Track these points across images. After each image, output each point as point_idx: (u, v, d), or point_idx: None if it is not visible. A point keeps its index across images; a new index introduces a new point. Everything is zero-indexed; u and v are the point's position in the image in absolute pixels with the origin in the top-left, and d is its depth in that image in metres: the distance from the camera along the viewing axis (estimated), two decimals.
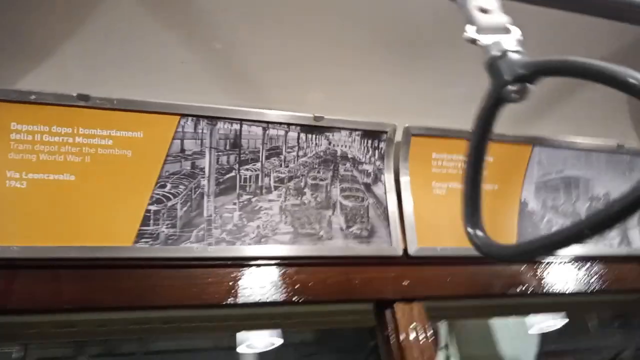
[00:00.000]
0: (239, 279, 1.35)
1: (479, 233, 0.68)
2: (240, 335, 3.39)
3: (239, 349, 3.50)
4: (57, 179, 1.27)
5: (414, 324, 1.43)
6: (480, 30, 0.68)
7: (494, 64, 0.64)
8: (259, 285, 1.36)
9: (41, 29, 1.27)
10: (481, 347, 2.93)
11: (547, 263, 1.69)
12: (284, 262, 1.40)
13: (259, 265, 1.37)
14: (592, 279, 1.74)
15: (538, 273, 1.65)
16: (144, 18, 1.34)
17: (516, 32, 0.67)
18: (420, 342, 1.41)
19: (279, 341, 3.50)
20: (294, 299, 1.38)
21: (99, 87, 1.33)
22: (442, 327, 2.79)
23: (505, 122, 1.76)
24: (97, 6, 1.28)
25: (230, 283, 1.33)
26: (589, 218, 0.48)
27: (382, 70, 1.58)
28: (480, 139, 0.70)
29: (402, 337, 1.41)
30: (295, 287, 1.39)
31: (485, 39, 0.67)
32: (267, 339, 3.41)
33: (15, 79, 1.29)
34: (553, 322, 3.42)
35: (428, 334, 1.43)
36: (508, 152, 1.73)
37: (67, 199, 1.27)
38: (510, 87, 0.62)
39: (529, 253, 0.57)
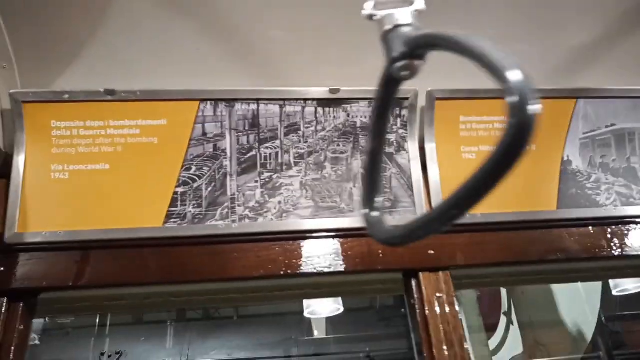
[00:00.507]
0: (263, 253, 1.42)
1: (373, 214, 0.65)
2: (306, 302, 3.55)
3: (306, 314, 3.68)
4: (94, 169, 1.40)
5: (439, 294, 1.43)
6: (378, 4, 0.63)
7: (385, 40, 0.60)
8: (283, 258, 1.42)
9: (66, 34, 1.38)
10: (542, 313, 2.82)
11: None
12: (306, 235, 1.44)
13: (281, 239, 1.43)
14: None
15: (574, 238, 1.55)
16: (158, 12, 1.40)
17: (418, 3, 0.61)
18: (446, 312, 1.40)
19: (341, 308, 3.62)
20: (317, 269, 1.43)
21: (123, 81, 1.43)
22: (504, 292, 2.71)
23: (547, 74, 1.64)
24: (113, 6, 1.36)
25: (255, 257, 1.41)
26: (467, 186, 0.45)
27: None
28: (379, 119, 0.66)
29: (426, 306, 1.41)
30: (319, 258, 1.43)
31: (381, 13, 0.62)
32: (332, 306, 3.55)
33: (51, 80, 1.42)
34: (631, 285, 3.20)
35: (454, 303, 1.42)
36: (548, 108, 1.61)
37: (104, 186, 1.39)
38: (398, 64, 0.58)
39: (413, 234, 0.54)
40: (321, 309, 3.79)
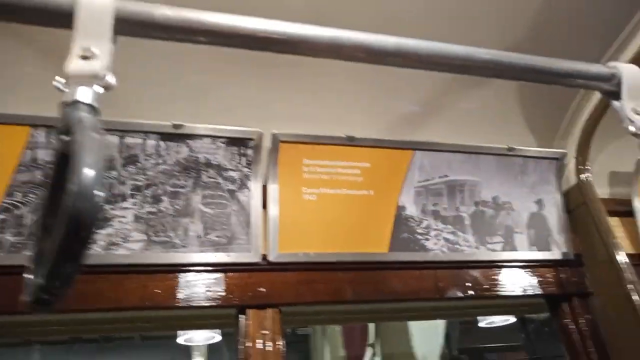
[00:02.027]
0: (88, 286, 1.38)
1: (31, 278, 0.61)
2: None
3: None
4: None
5: (265, 330, 1.46)
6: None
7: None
8: (110, 292, 1.40)
9: None
10: (401, 345, 2.98)
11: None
12: (134, 269, 1.43)
13: (107, 272, 1.40)
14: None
15: (402, 279, 1.66)
16: None
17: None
18: (267, 349, 1.44)
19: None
20: (146, 303, 1.42)
21: None
22: (371, 326, 2.84)
23: (389, 127, 1.77)
24: None
25: (77, 291, 1.37)
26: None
27: (247, 78, 1.57)
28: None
29: (249, 342, 1.44)
30: (146, 293, 1.42)
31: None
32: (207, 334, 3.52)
33: None
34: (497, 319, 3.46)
35: (278, 341, 1.46)
36: (388, 158, 1.74)
37: None
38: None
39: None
40: (197, 337, 3.76)
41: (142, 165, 1.50)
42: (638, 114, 0.80)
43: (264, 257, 1.55)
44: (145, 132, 1.49)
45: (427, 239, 1.74)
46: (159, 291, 1.43)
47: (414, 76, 1.66)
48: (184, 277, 1.46)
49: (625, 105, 0.81)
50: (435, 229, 1.76)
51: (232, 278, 1.51)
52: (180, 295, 1.45)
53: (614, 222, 2.09)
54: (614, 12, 1.61)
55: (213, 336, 3.78)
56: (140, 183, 1.49)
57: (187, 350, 4.53)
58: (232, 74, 1.56)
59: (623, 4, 1.59)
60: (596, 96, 1.91)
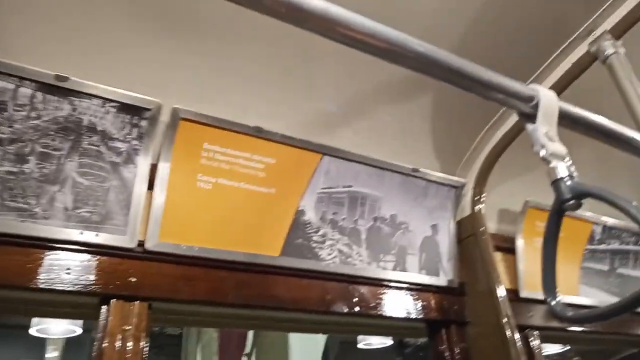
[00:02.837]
0: None
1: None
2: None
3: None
4: None
5: (127, 326, 1.29)
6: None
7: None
8: None
9: None
10: (278, 356, 2.90)
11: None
12: None
13: None
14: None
15: (289, 287, 1.57)
16: None
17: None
18: (127, 348, 1.27)
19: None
20: None
21: None
22: (250, 334, 2.71)
23: (301, 126, 1.68)
24: None
25: None
26: None
27: (156, 45, 1.41)
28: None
29: (107, 340, 1.26)
30: None
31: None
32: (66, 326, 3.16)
33: None
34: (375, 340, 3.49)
35: (142, 341, 1.29)
36: (295, 157, 1.65)
37: None
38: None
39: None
40: (54, 328, 3.34)
41: (9, 116, 1.26)
42: (550, 139, 0.79)
43: (141, 243, 1.38)
44: (20, 78, 1.26)
45: (321, 248, 1.67)
46: (6, 267, 1.20)
47: (333, 78, 1.61)
48: (41, 254, 1.25)
49: (539, 129, 0.80)
50: (331, 239, 1.69)
51: (100, 262, 1.32)
52: (33, 274, 1.23)
53: (498, 257, 2.19)
54: (546, 36, 1.67)
55: (73, 330, 3.39)
56: (3, 135, 1.25)
57: (41, 342, 4.02)
58: (141, 37, 1.39)
59: (554, 32, 1.66)
60: (498, 135, 2.00)
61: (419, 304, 1.85)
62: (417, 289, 1.87)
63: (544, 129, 0.79)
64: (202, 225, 1.47)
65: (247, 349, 2.96)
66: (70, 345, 3.93)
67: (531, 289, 2.16)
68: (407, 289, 1.83)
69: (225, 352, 2.94)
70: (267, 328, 2.34)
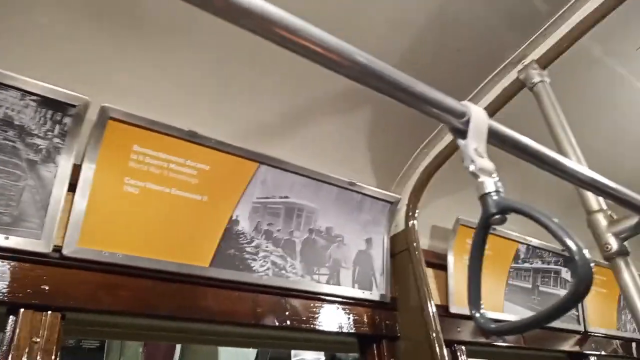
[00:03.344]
0: None
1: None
2: None
3: None
4: None
5: (37, 338, 1.18)
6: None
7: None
8: None
9: None
10: None
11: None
12: None
13: None
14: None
15: (218, 299, 1.51)
16: None
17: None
18: None
19: None
20: None
21: None
22: (177, 347, 2.60)
23: (238, 133, 1.64)
24: None
25: None
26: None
27: (86, 35, 1.33)
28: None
29: (14, 353, 1.15)
30: None
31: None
32: None
33: None
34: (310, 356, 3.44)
35: (52, 354, 1.19)
36: (230, 165, 1.60)
37: None
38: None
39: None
40: None
41: None
42: (479, 155, 0.80)
43: (58, 249, 1.28)
44: None
45: (254, 259, 1.62)
46: None
47: (275, 86, 1.59)
48: None
49: (470, 144, 0.81)
50: (265, 250, 1.66)
51: (8, 268, 1.20)
52: None
53: (430, 273, 2.23)
54: (481, 60, 1.74)
55: None
56: None
57: None
58: (79, 33, 1.31)
59: (488, 57, 1.73)
60: (433, 152, 2.06)
61: (351, 318, 1.84)
62: (350, 303, 1.86)
63: (474, 145, 0.81)
64: (128, 231, 1.39)
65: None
66: None
67: (460, 304, 2.21)
68: (340, 302, 1.82)
69: None
70: (195, 341, 2.25)
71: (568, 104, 1.60)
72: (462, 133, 0.83)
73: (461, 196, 2.32)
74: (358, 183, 1.89)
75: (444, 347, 1.79)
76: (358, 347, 1.96)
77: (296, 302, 1.70)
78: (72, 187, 1.33)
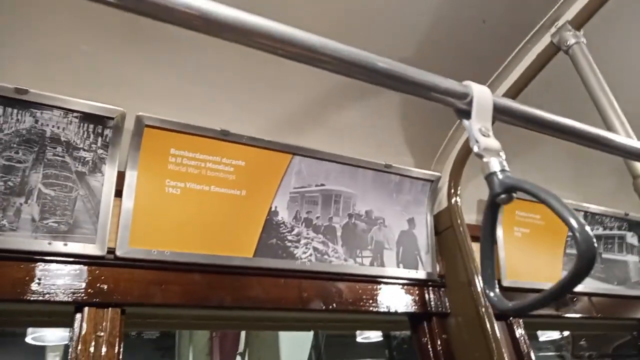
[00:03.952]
0: None
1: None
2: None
3: None
4: None
5: (101, 332, 1.30)
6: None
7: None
8: None
9: None
10: (268, 356, 2.92)
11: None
12: None
13: None
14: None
15: (264, 287, 1.58)
16: None
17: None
18: (101, 353, 1.28)
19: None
20: None
21: None
22: (243, 333, 2.74)
23: (270, 128, 1.69)
24: None
25: None
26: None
27: (116, 50, 1.42)
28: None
29: (81, 346, 1.27)
30: None
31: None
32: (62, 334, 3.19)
33: None
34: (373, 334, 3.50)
35: (116, 345, 1.31)
36: (264, 159, 1.66)
37: None
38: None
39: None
40: (50, 336, 3.36)
41: None
42: (484, 134, 0.80)
43: (112, 251, 1.39)
44: None
45: (296, 247, 1.68)
46: None
47: (299, 78, 1.62)
48: (9, 267, 1.26)
49: (474, 125, 0.80)
50: (306, 237, 1.71)
51: (70, 271, 1.33)
52: (4, 287, 1.25)
53: (477, 248, 2.20)
54: (509, 29, 1.68)
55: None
56: None
57: (40, 350, 4.06)
58: (100, 42, 1.40)
59: (517, 24, 1.67)
60: None
61: (400, 298, 1.86)
62: (397, 283, 1.88)
63: (478, 125, 0.80)
64: (173, 229, 1.48)
65: (241, 348, 2.99)
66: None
67: (513, 277, 2.17)
68: (387, 283, 1.85)
69: (220, 351, 2.96)
70: (247, 327, 2.36)
71: (607, 67, 1.51)
72: (466, 114, 0.83)
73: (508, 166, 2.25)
74: (395, 165, 1.89)
75: (494, 321, 1.78)
76: (410, 325, 1.98)
77: (341, 285, 1.75)
78: (119, 193, 1.44)
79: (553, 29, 1.66)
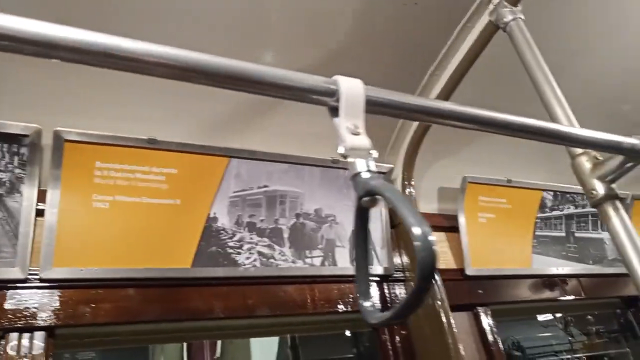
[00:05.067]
0: None
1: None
2: None
3: None
4: None
5: (26, 358, 1.27)
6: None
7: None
8: None
9: None
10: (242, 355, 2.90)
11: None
12: None
13: None
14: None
15: (205, 297, 1.54)
16: None
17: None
18: None
19: None
20: None
21: None
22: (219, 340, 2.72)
23: (203, 131, 1.63)
24: None
25: None
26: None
27: (30, 63, 1.36)
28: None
29: None
30: None
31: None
32: None
33: None
34: None
35: None
36: (198, 164, 1.61)
37: None
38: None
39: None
40: None
41: None
42: (353, 133, 0.74)
43: (35, 273, 1.35)
44: None
45: (238, 253, 1.63)
46: None
47: None
48: None
49: (341, 123, 0.75)
50: (249, 242, 1.66)
51: None
52: None
53: (440, 237, 2.15)
54: (438, 25, 1.61)
55: None
56: None
57: None
58: (4, 62, 1.34)
59: (444, 20, 1.60)
60: None
61: (353, 295, 1.81)
62: (351, 281, 1.83)
63: (347, 123, 0.75)
64: (103, 245, 1.44)
65: (217, 354, 2.97)
66: None
67: (478, 265, 2.12)
68: (339, 282, 1.80)
69: (197, 358, 2.95)
70: (191, 339, 2.33)
71: (545, 44, 1.44)
72: (336, 111, 0.77)
73: (467, 153, 2.19)
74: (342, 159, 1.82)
75: (450, 314, 1.73)
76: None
77: (290, 289, 1.70)
78: (41, 212, 1.39)
79: (491, 7, 1.59)
